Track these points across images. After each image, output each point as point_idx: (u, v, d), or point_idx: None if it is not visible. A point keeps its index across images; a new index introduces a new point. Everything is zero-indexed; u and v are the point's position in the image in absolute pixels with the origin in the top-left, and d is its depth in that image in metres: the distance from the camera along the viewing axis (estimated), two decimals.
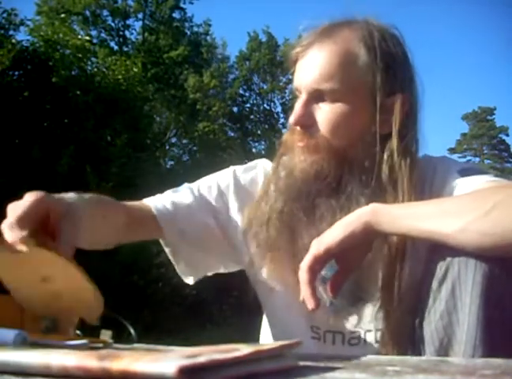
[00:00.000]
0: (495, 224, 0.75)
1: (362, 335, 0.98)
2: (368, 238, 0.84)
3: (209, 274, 1.17)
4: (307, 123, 0.96)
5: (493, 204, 0.76)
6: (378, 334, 0.96)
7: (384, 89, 0.94)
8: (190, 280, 1.14)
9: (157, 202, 1.09)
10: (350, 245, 0.82)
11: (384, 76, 0.94)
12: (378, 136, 0.94)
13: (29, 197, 0.80)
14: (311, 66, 0.96)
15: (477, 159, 34.22)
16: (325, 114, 0.95)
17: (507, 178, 0.94)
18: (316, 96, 0.96)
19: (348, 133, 0.95)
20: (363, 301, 0.96)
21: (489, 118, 33.91)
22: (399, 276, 0.91)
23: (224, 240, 1.09)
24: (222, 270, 1.16)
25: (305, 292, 0.82)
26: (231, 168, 1.13)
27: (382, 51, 0.95)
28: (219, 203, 1.09)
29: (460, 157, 33.07)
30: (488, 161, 34.03)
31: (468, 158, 33.98)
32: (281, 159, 1.02)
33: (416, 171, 0.94)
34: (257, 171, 1.11)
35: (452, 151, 34.32)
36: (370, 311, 0.96)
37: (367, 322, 0.97)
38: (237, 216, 1.08)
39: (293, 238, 0.97)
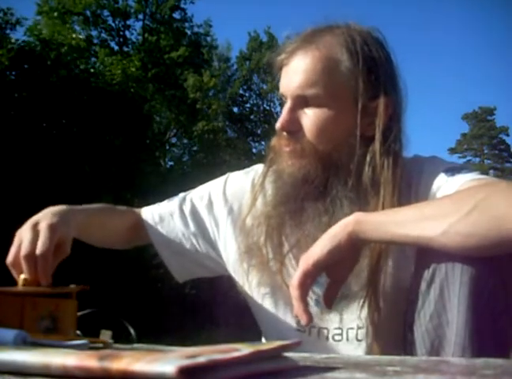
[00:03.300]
0: (477, 225, 0.76)
1: (344, 332, 1.00)
2: (354, 247, 0.84)
3: (196, 277, 1.24)
4: (293, 128, 0.98)
5: (473, 204, 0.77)
6: (360, 332, 0.98)
7: (367, 93, 0.96)
8: (179, 280, 1.22)
9: (148, 212, 1.19)
10: (338, 257, 0.83)
11: (367, 80, 0.96)
12: (363, 138, 0.96)
13: (48, 227, 0.93)
14: (295, 73, 0.98)
15: (477, 159, 34.25)
16: (310, 119, 0.97)
17: (507, 178, 0.95)
18: (301, 102, 0.98)
19: (333, 137, 0.97)
20: (347, 298, 0.97)
21: (489, 118, 33.91)
22: (384, 275, 0.93)
23: (210, 249, 1.15)
24: (207, 275, 1.22)
25: (298, 308, 0.84)
26: (226, 175, 1.19)
27: (364, 55, 0.97)
28: (207, 213, 1.15)
29: (460, 157, 33.13)
30: (488, 161, 34.05)
31: (468, 158, 34.02)
32: (270, 165, 1.06)
33: (398, 172, 0.95)
34: (249, 177, 1.15)
35: (452, 151, 34.35)
36: (353, 309, 0.97)
37: (350, 320, 0.99)
38: (225, 224, 1.13)
39: (280, 241, 1.02)
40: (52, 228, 0.93)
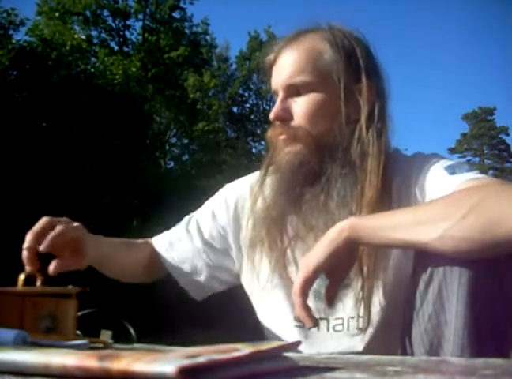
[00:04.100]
0: (472, 229, 0.76)
1: (345, 322, 1.01)
2: (352, 251, 0.86)
3: (213, 292, 1.26)
4: (286, 116, 1.05)
5: (468, 208, 0.77)
6: (361, 321, 0.99)
7: (350, 76, 1.04)
8: (197, 299, 1.25)
9: (159, 241, 1.24)
10: (336, 262, 0.84)
11: (348, 65, 1.04)
12: (352, 121, 1.03)
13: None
14: (284, 67, 1.07)
15: (477, 159, 34.25)
16: (301, 105, 1.04)
17: (507, 178, 0.95)
18: (292, 92, 1.05)
19: (324, 119, 1.03)
20: (346, 287, 0.98)
21: (489, 118, 33.90)
22: (382, 262, 0.96)
23: (222, 259, 1.18)
24: (223, 288, 1.25)
25: (301, 315, 0.85)
26: (224, 188, 1.24)
27: (343, 45, 1.05)
28: (212, 225, 1.19)
29: (460, 157, 33.09)
30: (488, 161, 34.05)
31: (468, 158, 34.01)
32: (268, 166, 1.10)
33: (383, 148, 1.00)
34: (246, 183, 1.19)
35: (452, 151, 34.34)
36: (353, 297, 0.98)
37: (351, 309, 1.00)
38: (232, 229, 1.17)
39: (281, 233, 1.05)
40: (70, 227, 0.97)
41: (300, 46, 1.06)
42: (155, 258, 1.22)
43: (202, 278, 1.20)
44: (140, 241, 1.25)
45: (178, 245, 1.21)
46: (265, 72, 1.12)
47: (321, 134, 1.02)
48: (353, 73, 1.04)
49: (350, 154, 1.00)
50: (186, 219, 1.24)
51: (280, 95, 1.06)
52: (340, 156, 1.01)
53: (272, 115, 1.05)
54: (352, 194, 0.98)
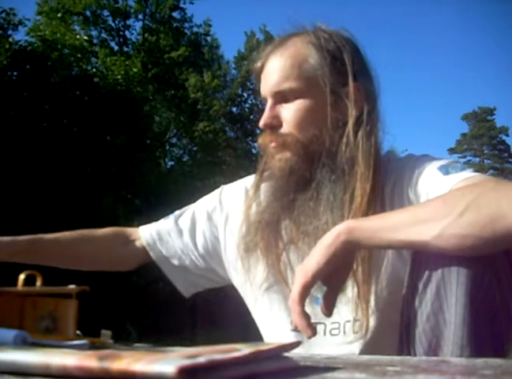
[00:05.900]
0: (471, 226, 0.76)
1: (341, 326, 1.00)
2: (350, 255, 0.85)
3: (202, 289, 1.27)
4: (275, 124, 1.05)
5: (465, 205, 0.77)
6: (357, 324, 0.98)
7: (336, 79, 1.03)
8: (186, 295, 1.26)
9: (146, 231, 1.24)
10: (334, 267, 0.82)
11: (334, 68, 1.03)
12: (340, 124, 1.02)
13: None
14: (271, 74, 1.06)
15: (477, 159, 34.24)
16: (289, 112, 1.04)
17: (507, 178, 0.95)
18: (280, 98, 1.05)
19: (312, 125, 1.02)
20: (342, 291, 0.96)
21: (489, 118, 33.90)
22: (376, 270, 0.96)
23: (212, 261, 1.19)
24: (211, 286, 1.26)
25: (300, 323, 0.82)
26: (220, 188, 1.24)
27: (329, 48, 1.04)
28: (205, 226, 1.19)
29: (460, 157, 33.08)
30: (488, 161, 34.04)
31: (469, 158, 34.02)
32: (262, 172, 1.10)
33: (372, 151, 0.99)
34: (242, 186, 1.19)
35: (452, 151, 34.33)
36: (349, 301, 0.98)
37: (347, 312, 0.99)
38: (223, 232, 1.17)
39: (276, 238, 1.04)
40: None
41: (285, 51, 1.05)
42: (135, 247, 1.22)
43: (190, 275, 1.21)
44: (103, 231, 1.24)
45: (168, 241, 1.21)
46: (256, 78, 1.12)
47: (310, 140, 1.01)
48: (340, 76, 1.03)
49: (339, 159, 1.00)
50: (176, 213, 1.24)
51: (269, 102, 1.05)
52: (330, 161, 1.00)
53: (261, 123, 1.05)
54: (342, 199, 0.97)
